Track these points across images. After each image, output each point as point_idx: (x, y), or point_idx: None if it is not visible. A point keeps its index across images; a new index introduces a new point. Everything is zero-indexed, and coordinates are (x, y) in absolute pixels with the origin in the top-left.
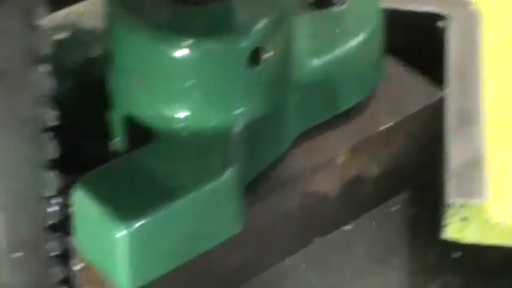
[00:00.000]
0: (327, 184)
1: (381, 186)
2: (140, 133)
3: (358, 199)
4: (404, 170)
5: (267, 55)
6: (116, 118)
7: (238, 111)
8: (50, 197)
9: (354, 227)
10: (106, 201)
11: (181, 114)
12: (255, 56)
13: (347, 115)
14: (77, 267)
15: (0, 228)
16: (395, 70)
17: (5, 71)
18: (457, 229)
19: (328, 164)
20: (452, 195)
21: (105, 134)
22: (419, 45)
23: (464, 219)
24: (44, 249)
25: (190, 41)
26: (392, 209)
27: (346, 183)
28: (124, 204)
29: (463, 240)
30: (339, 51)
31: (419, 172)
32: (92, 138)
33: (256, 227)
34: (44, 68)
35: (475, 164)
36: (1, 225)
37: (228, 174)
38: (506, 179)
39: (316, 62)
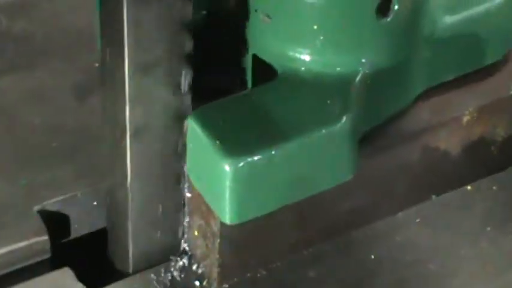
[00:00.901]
0: (450, 141)
1: (505, 151)
2: (265, 71)
3: (480, 160)
4: None
5: (397, 7)
6: (244, 54)
7: (363, 60)
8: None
9: (474, 188)
10: (218, 133)
11: (306, 56)
12: (384, 7)
13: (477, 75)
14: (188, 195)
15: None
16: None
17: None
18: None
19: (453, 122)
20: None
21: (233, 70)
22: None
23: None
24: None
25: None
26: None
27: (469, 143)
28: (236, 138)
29: None
30: (474, 10)
31: None
32: (220, 72)
33: (373, 176)
34: None
35: None
36: None
37: (345, 121)
38: None
39: (449, 19)
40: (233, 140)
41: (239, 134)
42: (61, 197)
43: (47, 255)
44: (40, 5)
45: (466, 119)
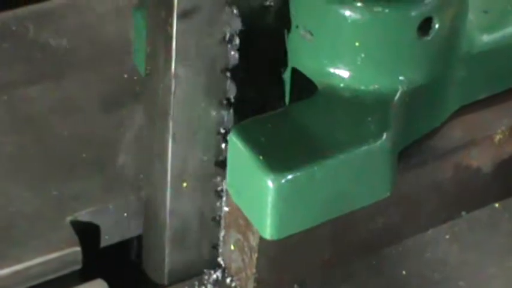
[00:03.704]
0: (481, 159)
1: None
2: (304, 87)
3: (510, 178)
4: None
5: (437, 26)
6: (284, 69)
7: (402, 77)
8: (224, 134)
9: (502, 206)
10: (260, 148)
11: (346, 73)
12: (425, 26)
13: (509, 94)
14: (225, 209)
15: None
16: None
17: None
18: None
19: (485, 140)
20: None
21: (273, 84)
22: None
23: None
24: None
25: (363, 3)
26: None
27: (500, 161)
28: (278, 154)
29: None
30: (510, 29)
31: None
32: (260, 86)
33: (405, 194)
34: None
35: None
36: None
37: (385, 138)
38: None
39: (486, 38)
40: (275, 156)
41: (281, 149)
42: (92, 208)
43: (78, 266)
44: (68, 15)
45: (498, 137)
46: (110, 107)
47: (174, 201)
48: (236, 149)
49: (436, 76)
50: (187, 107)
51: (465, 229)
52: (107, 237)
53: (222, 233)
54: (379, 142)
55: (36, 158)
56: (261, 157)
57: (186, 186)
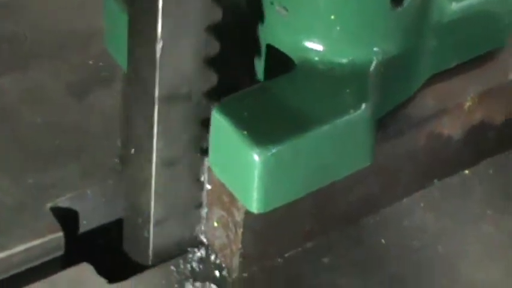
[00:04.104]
0: (452, 127)
1: (502, 134)
2: (280, 63)
3: (479, 145)
4: None
5: None
6: (259, 46)
7: (376, 49)
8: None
9: (472, 172)
10: (244, 124)
11: (322, 46)
12: None
13: (479, 61)
14: (208, 187)
15: None
16: None
17: None
18: None
19: (456, 108)
20: None
21: (248, 62)
22: None
23: None
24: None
25: None
26: None
27: (470, 128)
28: (262, 128)
29: None
30: None
31: None
32: (235, 66)
33: (382, 163)
34: None
35: None
36: None
37: (364, 108)
38: None
39: (455, 7)
40: (259, 131)
41: (264, 124)
42: (70, 195)
43: (61, 252)
44: (29, 5)
45: (467, 105)
46: (78, 95)
47: (159, 183)
48: (219, 126)
49: (409, 46)
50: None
51: (438, 196)
52: (85, 222)
53: (204, 211)
54: (358, 112)
55: (9, 147)
56: (245, 132)
57: (172, 169)
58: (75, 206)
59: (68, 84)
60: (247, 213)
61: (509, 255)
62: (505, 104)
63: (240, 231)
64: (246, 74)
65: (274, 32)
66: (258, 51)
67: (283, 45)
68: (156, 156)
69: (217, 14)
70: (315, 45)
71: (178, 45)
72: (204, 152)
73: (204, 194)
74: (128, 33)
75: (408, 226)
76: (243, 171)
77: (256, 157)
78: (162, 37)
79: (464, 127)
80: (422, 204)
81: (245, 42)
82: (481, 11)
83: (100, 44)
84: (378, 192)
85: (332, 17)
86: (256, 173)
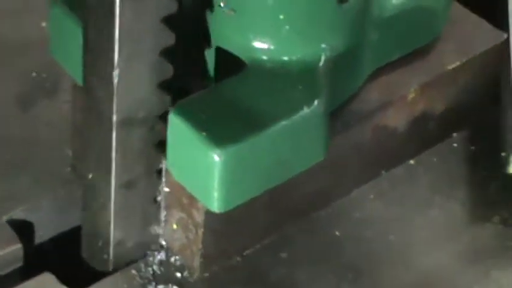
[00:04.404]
0: (397, 119)
1: (444, 123)
2: (230, 64)
3: (422, 134)
4: (467, 107)
5: None
6: (208, 49)
7: (324, 45)
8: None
9: (417, 161)
10: (202, 125)
11: (272, 46)
12: None
13: (418, 54)
14: (166, 190)
15: None
16: (460, 13)
17: None
18: None
19: (399, 100)
20: None
21: (198, 65)
22: None
23: None
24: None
25: None
26: (454, 145)
27: (413, 119)
28: (219, 129)
29: None
30: None
31: (480, 110)
32: (186, 68)
33: (331, 157)
34: None
35: None
36: None
37: (317, 104)
38: None
39: (395, 0)
40: (217, 131)
41: (221, 124)
42: (24, 206)
43: (20, 264)
44: None
45: (411, 96)
46: (23, 106)
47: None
48: (177, 128)
49: (355, 41)
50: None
51: (386, 187)
52: (41, 233)
53: (163, 214)
54: (312, 108)
55: None
56: (204, 133)
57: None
58: (31, 217)
59: (13, 97)
60: (207, 213)
61: (458, 239)
62: (444, 94)
63: (200, 231)
64: (197, 77)
65: (223, 33)
66: (207, 54)
67: (233, 46)
68: (115, 180)
69: (170, 38)
70: (264, 45)
71: (133, 71)
72: (160, 173)
73: (162, 197)
74: (83, 56)
75: (359, 217)
76: (203, 171)
77: (216, 157)
78: (119, 64)
79: (407, 118)
80: (371, 196)
81: (194, 45)
82: (417, 4)
83: (41, 54)
84: (328, 185)
85: (280, 16)
86: (217, 172)
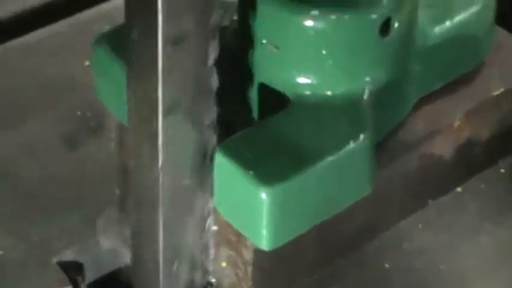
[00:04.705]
0: (443, 147)
1: (490, 149)
2: (274, 100)
3: (469, 161)
4: None
5: (396, 25)
6: (251, 86)
7: (367, 78)
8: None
9: (464, 189)
10: (249, 164)
11: (316, 81)
12: (385, 27)
13: (462, 81)
14: (214, 228)
15: None
16: (504, 38)
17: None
18: None
19: (446, 128)
20: None
21: (241, 101)
22: None
23: None
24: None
25: (326, 13)
26: (501, 171)
27: (459, 146)
28: (266, 166)
29: None
30: (458, 19)
31: None
32: (230, 105)
33: (378, 189)
34: None
35: None
36: None
37: (363, 138)
38: None
39: (437, 30)
40: (264, 169)
41: (267, 162)
42: (74, 247)
43: None
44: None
45: (457, 124)
46: (70, 146)
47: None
48: (224, 167)
49: (398, 73)
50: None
51: (434, 216)
52: (89, 273)
53: (212, 252)
54: (358, 142)
55: (12, 204)
56: (251, 172)
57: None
58: (81, 258)
59: (60, 136)
60: (256, 251)
61: (509, 266)
62: (489, 120)
63: (249, 269)
64: (241, 114)
65: (266, 70)
66: (251, 91)
67: (276, 82)
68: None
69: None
70: (307, 80)
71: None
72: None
73: (210, 235)
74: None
75: (408, 248)
76: (251, 210)
77: (264, 195)
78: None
79: (454, 146)
80: (420, 225)
81: (238, 83)
82: (460, 32)
83: (83, 94)
84: (375, 217)
85: (323, 51)
86: (265, 210)
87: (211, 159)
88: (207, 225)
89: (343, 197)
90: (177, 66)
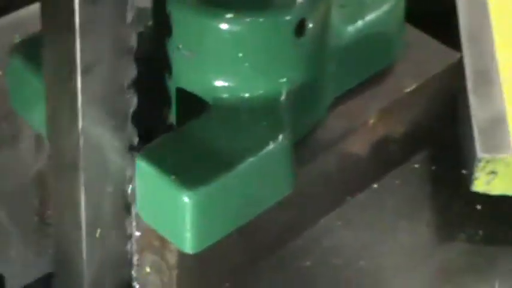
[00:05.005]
0: (360, 145)
1: (404, 145)
2: (192, 104)
3: (384, 158)
4: (426, 128)
5: (311, 25)
6: (169, 91)
7: (284, 79)
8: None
9: (380, 185)
10: (170, 169)
11: (234, 84)
12: (300, 28)
13: (375, 79)
14: (137, 234)
15: None
16: (414, 35)
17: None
18: (485, 182)
19: (361, 127)
20: (480, 150)
21: (158, 106)
22: (429, 10)
23: (492, 172)
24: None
25: (240, 16)
26: (415, 166)
27: (375, 143)
28: (188, 170)
29: (491, 193)
30: (370, 18)
31: (438, 130)
32: (148, 112)
33: (298, 189)
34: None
35: (499, 120)
36: None
37: (282, 139)
38: None
39: (351, 29)
40: (186, 173)
41: (189, 166)
42: None
43: None
44: None
45: (371, 122)
46: None
47: (90, 249)
48: (146, 173)
49: (314, 72)
50: (95, 157)
51: (353, 213)
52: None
53: (135, 258)
54: (277, 143)
55: None
56: (173, 177)
57: (100, 233)
58: (1, 269)
59: None
60: (181, 255)
61: (427, 261)
62: (403, 116)
63: (174, 273)
64: (159, 121)
65: (184, 75)
66: (168, 96)
67: (194, 87)
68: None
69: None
70: (225, 83)
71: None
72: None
73: (133, 241)
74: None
75: (328, 245)
76: (174, 214)
77: (186, 199)
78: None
79: (370, 143)
80: (339, 223)
81: (155, 89)
82: (373, 31)
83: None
84: (297, 216)
85: (239, 54)
86: (188, 214)
87: (132, 121)
88: (128, 191)
89: (265, 198)
90: (94, 23)
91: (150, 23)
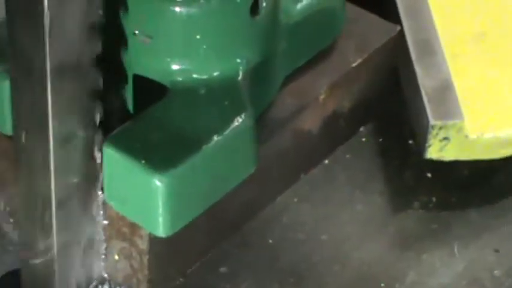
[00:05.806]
0: (312, 121)
1: (352, 119)
2: (150, 90)
3: (334, 133)
4: (372, 101)
5: (265, 4)
6: (125, 79)
7: (240, 59)
8: None
9: (332, 160)
10: (139, 153)
11: (192, 66)
12: (255, 6)
13: (321, 56)
14: (104, 222)
15: None
16: (354, 12)
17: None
18: (439, 149)
19: (313, 103)
20: (432, 118)
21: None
22: None
23: (444, 139)
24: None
25: None
26: (363, 140)
27: (325, 119)
28: (156, 154)
29: (444, 159)
30: None
31: (382, 103)
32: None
33: (258, 167)
34: None
35: (446, 88)
36: None
37: (245, 117)
38: (475, 100)
39: (299, 7)
40: (154, 157)
41: (157, 150)
42: None
43: None
44: None
45: (321, 98)
46: None
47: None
48: (114, 160)
49: (268, 51)
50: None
51: (308, 189)
52: None
53: (103, 247)
54: (242, 121)
55: None
56: (143, 161)
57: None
58: None
59: None
60: (151, 239)
61: (385, 229)
62: (350, 91)
63: (145, 258)
64: (117, 109)
65: (140, 61)
66: (125, 83)
67: (152, 72)
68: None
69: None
70: (183, 66)
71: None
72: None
73: (101, 229)
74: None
75: (288, 222)
76: (146, 199)
77: (158, 182)
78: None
79: (320, 119)
80: (295, 199)
81: (110, 78)
82: (319, 6)
83: None
84: (256, 195)
85: (197, 36)
86: (160, 198)
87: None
88: (96, 158)
89: (232, 176)
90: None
91: (100, 11)
